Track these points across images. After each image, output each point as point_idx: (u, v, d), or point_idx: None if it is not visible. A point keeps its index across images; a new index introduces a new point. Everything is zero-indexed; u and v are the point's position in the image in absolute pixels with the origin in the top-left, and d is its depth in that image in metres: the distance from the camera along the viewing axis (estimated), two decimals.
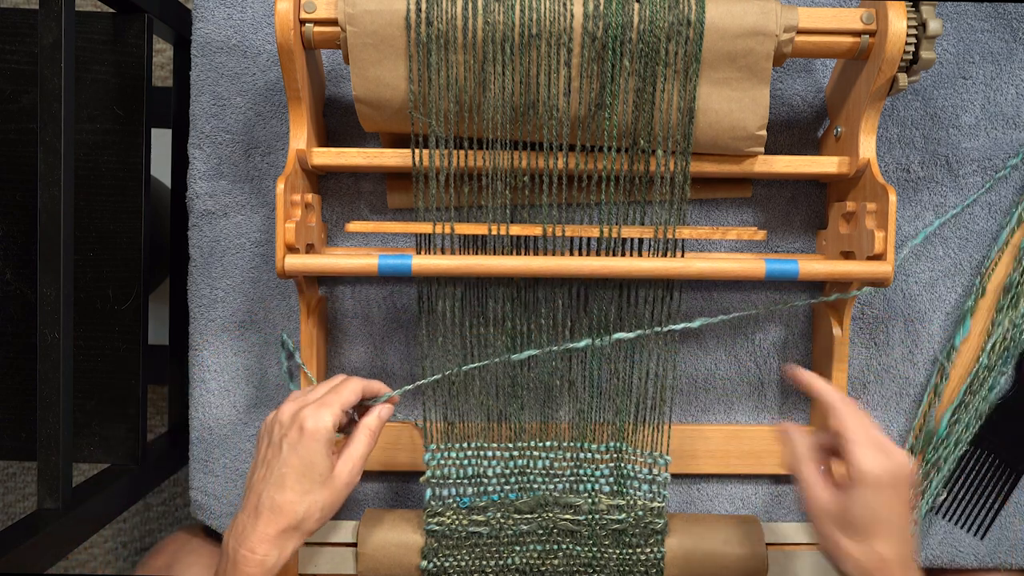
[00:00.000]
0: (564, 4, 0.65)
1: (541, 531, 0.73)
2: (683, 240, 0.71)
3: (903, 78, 0.68)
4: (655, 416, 0.74)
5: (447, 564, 0.73)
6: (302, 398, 0.66)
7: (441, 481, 0.73)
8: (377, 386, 0.70)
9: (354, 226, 0.72)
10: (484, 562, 0.73)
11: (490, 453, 0.74)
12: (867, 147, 0.71)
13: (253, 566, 0.61)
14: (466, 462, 0.74)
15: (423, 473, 0.74)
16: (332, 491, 0.64)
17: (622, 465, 0.74)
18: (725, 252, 0.81)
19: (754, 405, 0.83)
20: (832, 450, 0.65)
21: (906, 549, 0.59)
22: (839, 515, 0.60)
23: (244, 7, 0.80)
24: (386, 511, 0.76)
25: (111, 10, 0.83)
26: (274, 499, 0.63)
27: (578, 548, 0.73)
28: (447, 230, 0.71)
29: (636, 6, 0.65)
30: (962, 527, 0.82)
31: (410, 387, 0.72)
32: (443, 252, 0.72)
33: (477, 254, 0.72)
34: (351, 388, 0.67)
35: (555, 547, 0.74)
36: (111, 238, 0.84)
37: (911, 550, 0.60)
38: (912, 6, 0.66)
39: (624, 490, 0.74)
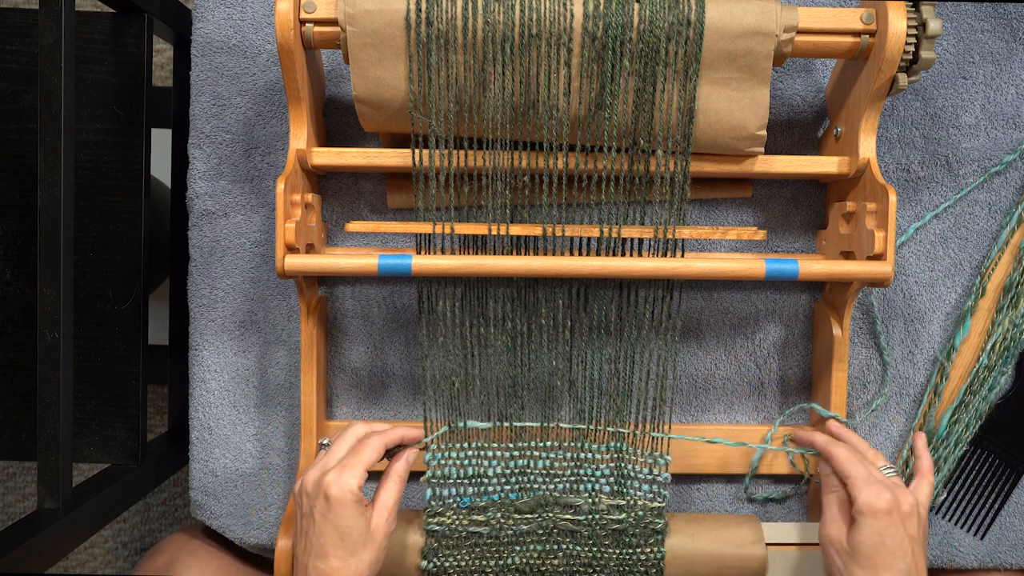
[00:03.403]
0: (564, 4, 0.65)
1: (541, 531, 0.73)
2: (683, 240, 0.71)
3: (903, 78, 0.68)
4: (655, 416, 0.74)
5: (447, 564, 0.73)
6: (323, 462, 0.65)
7: (441, 481, 0.73)
8: (398, 435, 0.69)
9: (354, 226, 0.72)
10: (484, 562, 0.73)
11: (490, 453, 0.74)
12: (867, 147, 0.71)
13: None
14: (466, 462, 0.74)
15: (423, 473, 0.74)
16: (374, 546, 0.64)
17: (622, 465, 0.74)
18: (725, 252, 0.81)
19: (754, 405, 0.83)
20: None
21: None
22: (850, 548, 0.64)
23: (244, 7, 0.80)
24: None
25: (111, 10, 0.83)
26: (320, 569, 0.63)
27: (578, 548, 0.73)
28: (447, 230, 0.71)
29: (636, 6, 0.65)
30: (962, 527, 0.82)
31: (439, 433, 0.73)
32: (443, 252, 0.72)
33: (477, 254, 0.72)
34: (373, 447, 0.66)
35: (555, 547, 0.74)
36: (111, 238, 0.84)
37: None
38: (912, 6, 0.66)
39: (624, 490, 0.74)
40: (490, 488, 0.74)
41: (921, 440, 0.73)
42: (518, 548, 0.74)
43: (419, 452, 0.70)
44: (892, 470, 0.68)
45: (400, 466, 0.68)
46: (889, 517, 0.63)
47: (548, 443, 0.75)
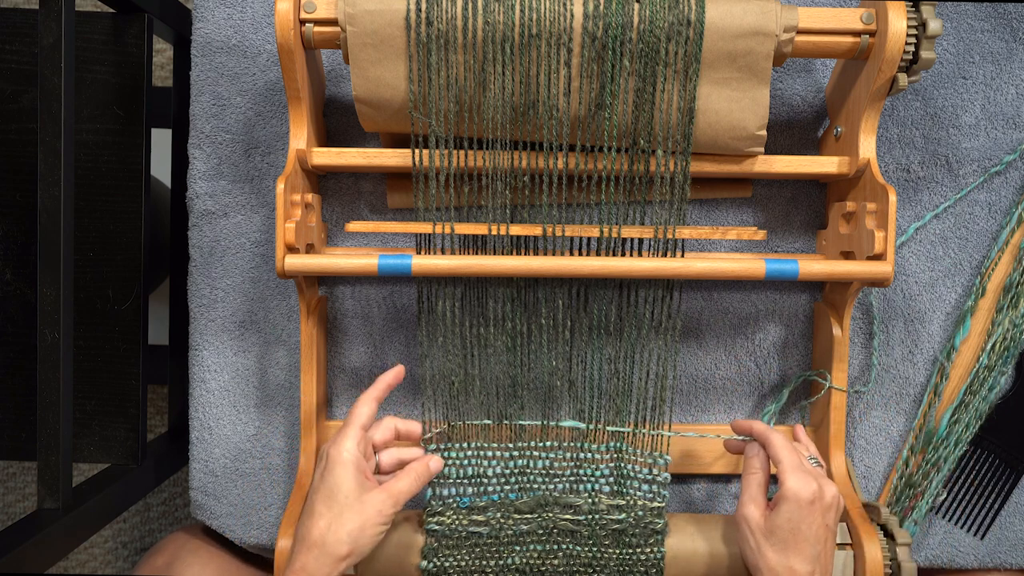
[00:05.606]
0: (564, 4, 0.65)
1: (541, 531, 0.73)
2: (683, 240, 0.71)
3: (903, 78, 0.68)
4: (655, 416, 0.74)
5: (447, 564, 0.73)
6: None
7: (441, 481, 0.73)
8: (384, 382, 0.70)
9: (354, 226, 0.72)
10: (484, 562, 0.73)
11: (490, 453, 0.74)
12: (867, 147, 0.71)
13: None
14: (466, 462, 0.74)
15: None
16: (359, 514, 0.64)
17: (622, 465, 0.74)
18: (725, 252, 0.81)
19: (754, 405, 0.83)
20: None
21: (819, 573, 0.65)
22: (767, 528, 0.66)
23: (244, 7, 0.80)
24: None
25: (111, 10, 0.83)
26: (306, 526, 0.64)
27: (578, 548, 0.73)
28: (447, 230, 0.71)
29: (636, 6, 0.65)
30: (962, 527, 0.82)
31: (437, 432, 0.73)
32: (443, 252, 0.72)
33: (477, 254, 0.72)
34: (362, 404, 0.68)
35: (555, 547, 0.74)
36: (111, 238, 0.84)
37: None
38: (912, 6, 0.66)
39: (624, 490, 0.74)
40: (490, 488, 0.74)
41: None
42: (518, 548, 0.74)
43: (441, 462, 0.71)
44: (816, 461, 0.71)
45: (419, 465, 0.69)
46: (811, 507, 0.65)
47: (548, 443, 0.75)
